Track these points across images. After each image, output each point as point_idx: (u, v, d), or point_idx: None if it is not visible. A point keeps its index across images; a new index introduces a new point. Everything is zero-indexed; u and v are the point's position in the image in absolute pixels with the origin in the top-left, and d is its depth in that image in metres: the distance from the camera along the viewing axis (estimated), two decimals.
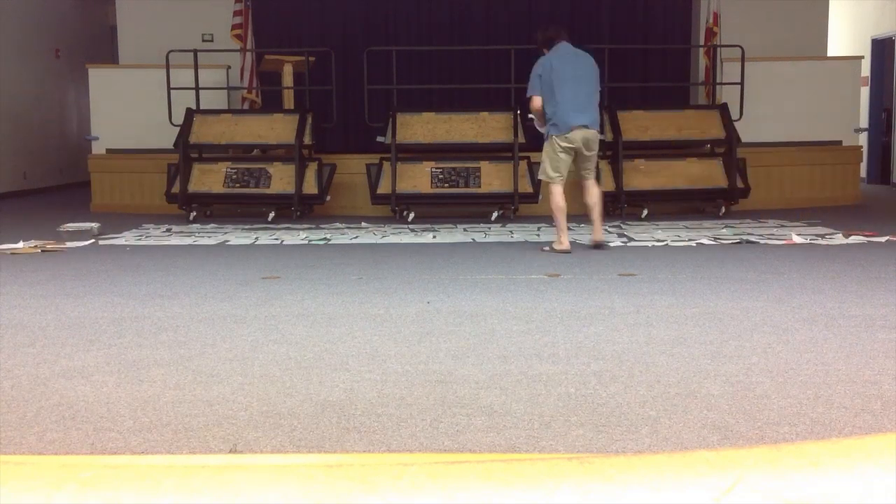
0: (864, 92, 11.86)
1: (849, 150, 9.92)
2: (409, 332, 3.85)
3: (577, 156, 6.41)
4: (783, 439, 2.51)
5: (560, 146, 6.31)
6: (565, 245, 6.30)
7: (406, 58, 10.65)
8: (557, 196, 6.34)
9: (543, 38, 6.59)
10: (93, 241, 7.16)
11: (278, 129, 8.94)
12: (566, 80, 6.31)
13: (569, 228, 7.78)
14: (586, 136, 6.34)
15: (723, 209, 8.75)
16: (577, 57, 6.47)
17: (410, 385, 3.04)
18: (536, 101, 6.38)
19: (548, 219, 8.53)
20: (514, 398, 2.88)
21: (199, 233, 7.76)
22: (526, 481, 0.63)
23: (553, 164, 6.36)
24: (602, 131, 8.99)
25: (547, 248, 6.46)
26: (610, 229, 7.68)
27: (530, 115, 6.67)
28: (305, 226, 8.15)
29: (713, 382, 3.05)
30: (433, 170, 8.72)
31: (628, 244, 6.78)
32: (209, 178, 8.87)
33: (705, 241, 6.86)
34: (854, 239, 6.76)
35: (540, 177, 6.64)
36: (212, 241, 7.12)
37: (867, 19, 13.16)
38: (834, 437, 2.57)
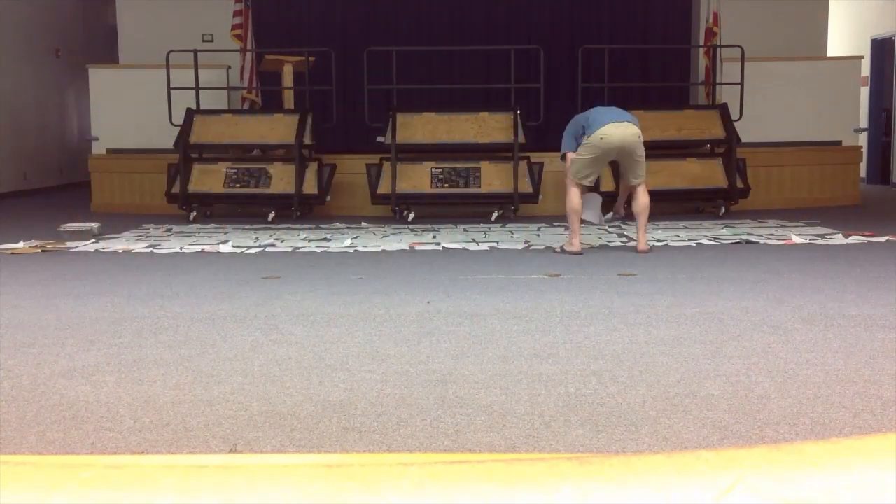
0: (864, 92, 11.86)
1: (849, 151, 9.92)
2: (409, 332, 3.85)
3: (622, 160, 6.27)
4: (783, 439, 2.51)
5: (590, 148, 6.14)
6: (576, 247, 6.25)
7: (406, 58, 10.65)
8: (574, 197, 6.26)
9: None
10: (93, 241, 7.16)
11: (278, 129, 8.94)
12: (602, 111, 6.32)
13: (567, 228, 7.80)
14: (626, 133, 6.12)
15: (723, 209, 8.75)
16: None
17: (410, 385, 3.04)
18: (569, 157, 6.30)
19: (548, 219, 8.54)
20: (514, 398, 2.88)
21: (199, 233, 7.76)
22: (526, 481, 0.63)
23: (579, 165, 6.22)
24: None
25: (559, 250, 6.42)
26: (610, 229, 7.68)
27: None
28: (305, 226, 8.15)
29: (713, 382, 3.05)
30: (433, 170, 8.73)
31: (628, 244, 6.77)
32: (209, 178, 8.87)
33: (705, 241, 6.86)
34: (854, 239, 6.76)
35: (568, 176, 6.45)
36: (212, 241, 7.12)
37: (867, 19, 13.16)
38: (834, 437, 2.57)
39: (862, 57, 10.83)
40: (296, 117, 8.92)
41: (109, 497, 0.63)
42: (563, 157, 6.41)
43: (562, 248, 6.42)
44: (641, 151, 6.27)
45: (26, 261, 6.18)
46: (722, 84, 9.56)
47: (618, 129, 6.11)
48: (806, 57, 10.16)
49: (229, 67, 10.04)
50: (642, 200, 6.31)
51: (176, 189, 8.79)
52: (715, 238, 7.01)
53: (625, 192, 6.67)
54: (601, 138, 6.09)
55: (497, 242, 6.92)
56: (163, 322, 4.12)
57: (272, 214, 8.65)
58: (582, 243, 6.37)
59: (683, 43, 11.25)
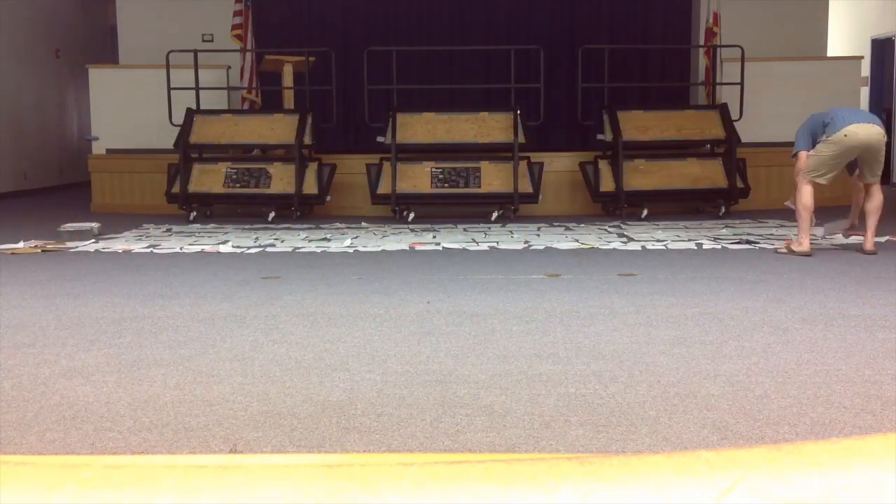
0: (864, 92, 11.86)
1: None
2: (409, 332, 3.85)
3: (863, 158, 6.06)
4: (783, 439, 2.51)
5: (832, 145, 5.97)
6: (806, 247, 6.00)
7: (406, 58, 10.65)
8: (806, 195, 6.05)
9: None
10: (93, 241, 7.16)
11: (278, 129, 8.94)
12: (846, 111, 6.25)
13: (567, 228, 7.81)
14: (870, 132, 5.91)
15: (723, 209, 8.74)
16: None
17: (410, 385, 3.04)
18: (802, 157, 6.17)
19: (548, 219, 8.54)
20: (514, 398, 2.88)
21: (199, 233, 7.76)
22: (526, 481, 0.63)
23: (816, 161, 6.04)
24: (601, 131, 9.01)
25: (784, 250, 6.15)
26: (610, 229, 7.69)
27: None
28: (305, 226, 8.15)
29: (713, 382, 3.05)
30: (433, 170, 8.72)
31: (628, 244, 6.77)
32: (209, 178, 8.86)
33: (705, 241, 6.86)
34: (854, 239, 6.76)
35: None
36: (212, 241, 7.12)
37: (867, 19, 13.16)
38: (834, 437, 2.57)
39: (862, 57, 10.82)
40: (296, 117, 8.92)
41: (109, 497, 0.63)
42: (795, 156, 6.26)
43: (788, 248, 6.16)
44: (883, 151, 6.07)
45: (26, 261, 6.18)
46: (722, 84, 9.56)
47: (862, 129, 5.94)
48: (806, 57, 10.16)
49: (229, 67, 10.04)
50: (876, 199, 6.12)
51: (176, 189, 8.78)
52: (715, 238, 7.01)
53: (857, 199, 6.47)
54: (845, 136, 5.92)
55: (497, 242, 6.92)
56: (163, 322, 4.12)
57: (272, 214, 8.65)
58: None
59: (683, 43, 11.25)
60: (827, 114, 6.18)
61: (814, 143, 6.13)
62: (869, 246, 6.10)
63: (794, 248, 6.09)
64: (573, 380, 3.08)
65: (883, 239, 6.73)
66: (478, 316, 4.18)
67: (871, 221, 6.15)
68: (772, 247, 6.50)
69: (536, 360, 3.36)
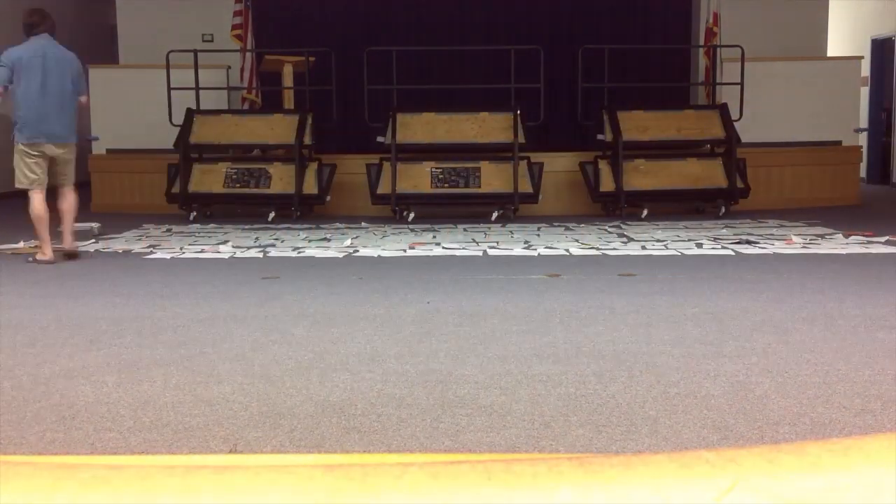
0: (864, 92, 11.86)
1: (849, 150, 9.92)
2: (409, 332, 3.85)
3: None
4: (783, 439, 2.51)
5: None
6: None
7: (406, 58, 10.65)
8: None
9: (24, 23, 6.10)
10: (93, 241, 7.16)
11: (278, 129, 8.94)
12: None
13: (567, 228, 7.81)
14: None
15: (723, 209, 8.75)
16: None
17: (410, 385, 3.04)
18: None
19: (548, 219, 8.54)
20: (514, 398, 2.88)
21: (199, 233, 7.76)
22: (526, 481, 0.63)
23: None
24: (601, 131, 9.01)
25: None
26: (610, 229, 7.69)
27: None
28: (305, 226, 8.15)
29: (713, 382, 3.05)
30: (433, 170, 8.72)
31: (628, 244, 6.77)
32: (209, 179, 8.87)
33: (705, 241, 6.86)
34: (854, 239, 6.76)
35: None
36: (212, 242, 7.12)
37: (867, 19, 13.16)
38: (834, 437, 2.57)
39: (862, 57, 10.82)
40: (296, 117, 8.92)
41: (109, 497, 0.63)
42: None
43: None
44: None
45: (26, 261, 6.18)
46: (722, 84, 9.56)
47: None
48: (806, 57, 10.16)
49: (229, 67, 10.04)
50: None
51: (176, 189, 8.79)
52: (715, 238, 7.01)
53: None
54: None
55: (497, 242, 6.92)
56: (163, 322, 4.12)
57: (272, 214, 8.65)
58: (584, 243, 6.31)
59: (683, 43, 11.25)
60: None
61: None
62: None
63: None
64: (573, 380, 3.08)
65: (883, 239, 6.73)
66: (478, 316, 4.18)
67: None
68: (772, 247, 6.50)
69: (536, 360, 3.36)
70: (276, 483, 0.64)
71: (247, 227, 8.14)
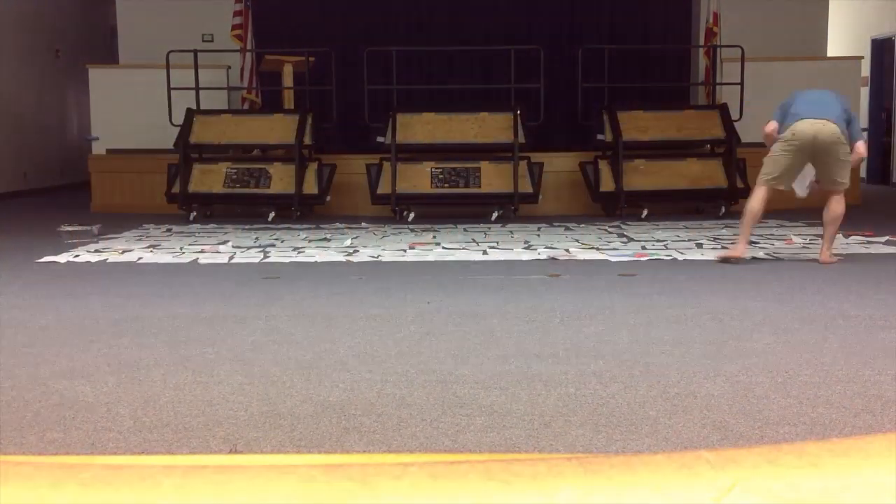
0: (864, 92, 11.86)
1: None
2: (409, 332, 3.85)
3: (816, 160, 5.55)
4: (783, 439, 2.51)
5: (783, 146, 5.56)
6: (740, 251, 5.65)
7: (406, 58, 10.65)
8: (755, 199, 5.70)
9: None
10: (93, 241, 7.15)
11: (278, 129, 8.94)
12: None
13: (567, 228, 7.80)
14: (819, 130, 5.41)
15: (723, 209, 8.75)
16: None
17: (410, 385, 3.04)
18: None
19: (548, 219, 8.54)
20: (514, 398, 2.88)
21: (199, 233, 7.76)
22: (526, 481, 0.63)
23: (771, 163, 5.64)
24: (601, 131, 9.01)
25: (721, 256, 5.72)
26: (610, 229, 7.68)
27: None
28: (305, 226, 8.15)
29: (713, 382, 3.05)
30: (433, 170, 8.72)
31: (628, 244, 6.76)
32: (209, 179, 8.87)
33: (705, 241, 6.86)
34: (854, 239, 6.76)
35: None
36: (212, 242, 7.12)
37: (867, 19, 13.16)
38: (834, 437, 2.57)
39: (862, 57, 10.82)
40: (296, 117, 8.92)
41: (109, 497, 0.63)
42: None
43: (723, 257, 5.77)
44: (840, 154, 5.49)
45: (26, 261, 6.18)
46: (722, 84, 9.56)
47: (812, 126, 5.42)
48: (806, 57, 10.16)
49: (229, 67, 10.04)
50: (833, 210, 5.57)
51: (176, 189, 8.79)
52: (715, 238, 7.01)
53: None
54: (793, 134, 5.47)
55: (497, 242, 6.92)
56: (163, 322, 4.12)
57: (272, 214, 8.65)
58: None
59: (683, 43, 11.25)
60: (789, 101, 5.70)
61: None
62: (824, 258, 5.64)
63: (730, 253, 5.66)
64: (573, 380, 3.08)
65: (883, 239, 6.73)
66: (478, 316, 4.18)
67: (828, 232, 5.64)
68: (771, 248, 6.50)
69: (536, 360, 3.36)
70: (276, 483, 0.64)
71: (247, 227, 8.14)
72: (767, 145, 5.77)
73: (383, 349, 3.55)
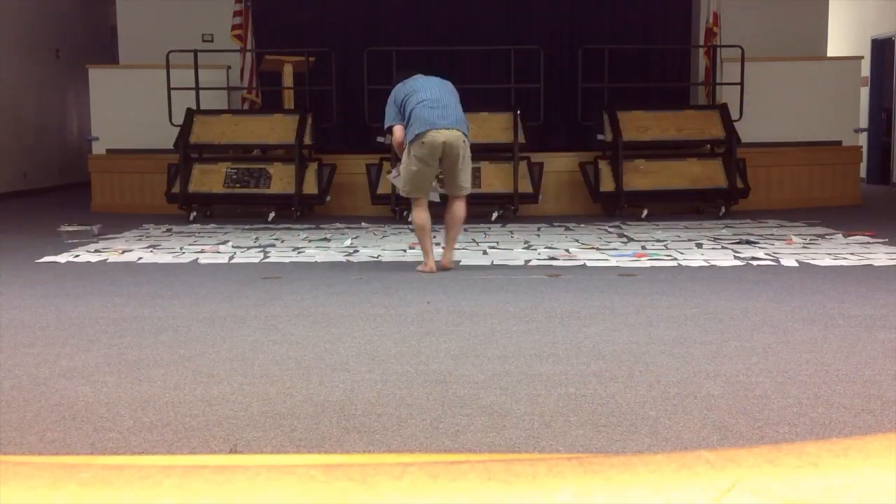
0: (864, 92, 11.86)
1: (849, 151, 9.92)
2: (409, 332, 3.85)
3: (444, 165, 5.53)
4: (783, 439, 2.51)
5: (416, 155, 5.47)
6: (430, 266, 5.47)
7: (406, 58, 10.64)
8: (417, 216, 5.50)
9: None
10: (93, 241, 7.15)
11: (278, 129, 8.94)
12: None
13: (567, 228, 7.81)
14: (451, 137, 5.47)
15: (723, 209, 8.75)
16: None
17: (410, 385, 3.04)
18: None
19: (548, 219, 8.54)
20: (514, 398, 2.88)
21: (199, 233, 7.76)
22: (526, 481, 0.63)
23: (408, 178, 5.52)
24: (601, 131, 9.01)
25: (420, 269, 5.49)
26: (610, 229, 7.68)
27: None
28: (305, 226, 8.15)
29: (713, 382, 3.05)
30: None
31: (628, 244, 6.76)
32: (209, 179, 8.87)
33: (705, 241, 6.86)
34: (854, 239, 6.76)
35: None
36: (212, 242, 7.12)
37: (867, 19, 13.16)
38: (834, 437, 2.57)
39: (862, 57, 10.82)
40: (296, 117, 8.92)
41: (109, 497, 0.63)
42: (389, 130, 5.81)
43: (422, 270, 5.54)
44: (467, 157, 5.63)
45: (26, 261, 6.18)
46: (722, 84, 9.56)
47: (442, 135, 5.45)
48: (806, 57, 10.15)
49: (229, 67, 10.03)
50: (456, 213, 5.59)
51: (176, 189, 8.79)
52: (715, 238, 7.01)
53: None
54: (423, 143, 5.42)
55: (497, 242, 6.92)
56: (163, 322, 4.12)
57: (272, 215, 8.65)
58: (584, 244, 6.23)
59: (683, 43, 11.24)
60: (406, 97, 5.61)
61: (405, 117, 5.56)
62: (445, 262, 5.55)
63: (421, 268, 5.49)
64: (573, 380, 3.08)
65: (883, 239, 6.73)
66: (478, 316, 4.18)
67: (451, 234, 5.59)
68: (771, 248, 6.50)
69: (536, 360, 3.36)
70: (276, 483, 0.64)
71: (247, 227, 8.14)
72: (398, 153, 5.75)
73: (383, 349, 3.55)
